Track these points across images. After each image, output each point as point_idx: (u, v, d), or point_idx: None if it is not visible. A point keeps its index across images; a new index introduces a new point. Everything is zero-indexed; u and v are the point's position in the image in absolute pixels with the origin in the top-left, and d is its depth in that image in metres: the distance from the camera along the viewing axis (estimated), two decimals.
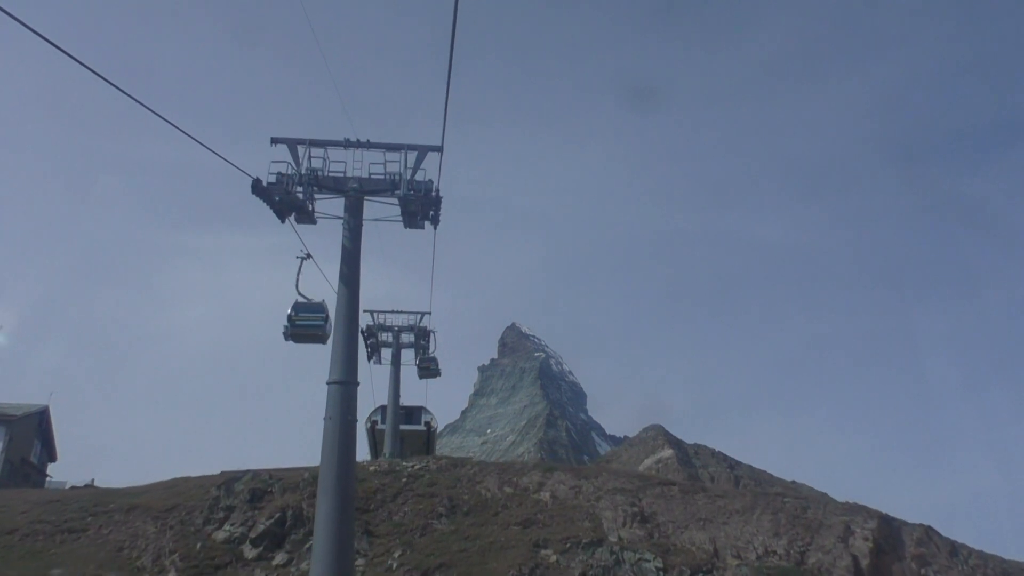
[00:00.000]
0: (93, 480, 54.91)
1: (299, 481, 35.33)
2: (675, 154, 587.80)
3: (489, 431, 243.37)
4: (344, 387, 17.52)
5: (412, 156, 19.20)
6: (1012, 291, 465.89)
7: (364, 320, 45.55)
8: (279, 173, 18.48)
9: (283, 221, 18.63)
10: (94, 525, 35.04)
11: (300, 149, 18.98)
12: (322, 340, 18.57)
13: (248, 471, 36.92)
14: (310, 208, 18.88)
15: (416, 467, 37.23)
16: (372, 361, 46.41)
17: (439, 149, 18.87)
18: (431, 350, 46.94)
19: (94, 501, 37.30)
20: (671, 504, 33.25)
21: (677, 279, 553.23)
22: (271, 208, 18.36)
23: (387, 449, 43.26)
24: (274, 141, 19.02)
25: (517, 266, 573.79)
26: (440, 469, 37.50)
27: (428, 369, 47.03)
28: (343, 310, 18.17)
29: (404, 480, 36.05)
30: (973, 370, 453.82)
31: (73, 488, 50.44)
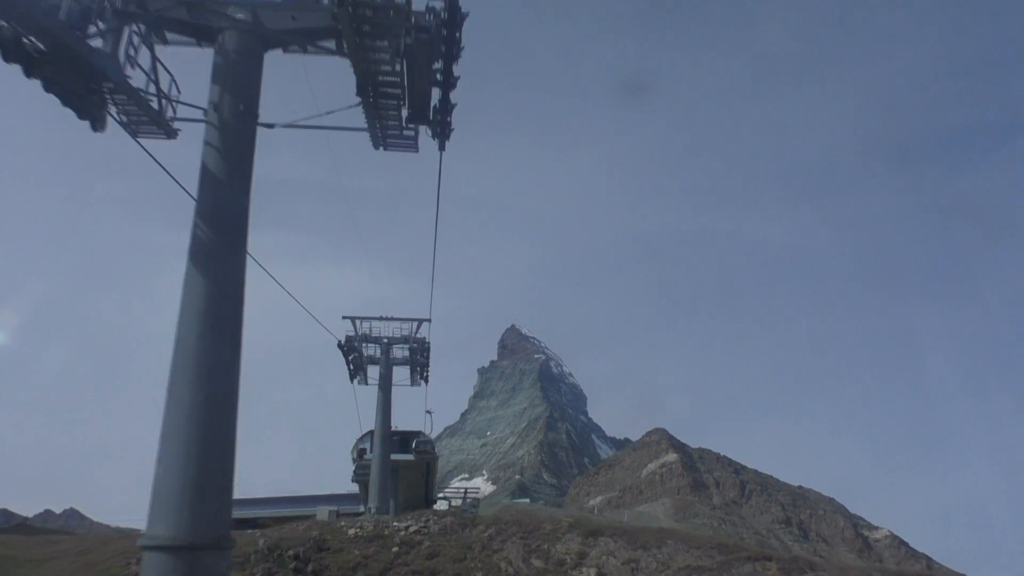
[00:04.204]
0: (27, 519, 44.41)
1: (251, 553, 24.74)
2: (674, 155, 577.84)
3: (489, 433, 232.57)
4: (174, 562, 6.57)
5: None
6: (1012, 290, 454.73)
7: (344, 329, 34.58)
8: None
9: (96, 127, 7.98)
10: None
11: None
12: None
13: None
14: (140, 81, 8.14)
15: (411, 529, 26.60)
16: (356, 381, 35.48)
17: None
18: (428, 430, 39.32)
19: None
20: None
21: (678, 280, 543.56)
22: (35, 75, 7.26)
23: (372, 501, 32.28)
24: None
25: (517, 267, 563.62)
26: (444, 531, 26.88)
27: (424, 452, 39.06)
28: (202, 321, 7.42)
29: (395, 549, 25.45)
30: (973, 371, 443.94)
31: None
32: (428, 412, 39.04)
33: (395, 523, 27.03)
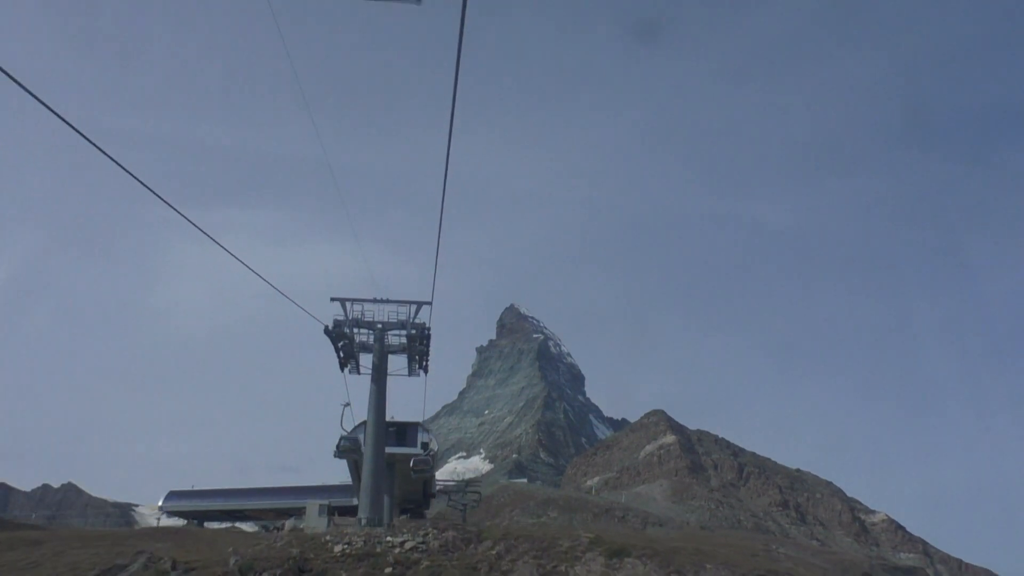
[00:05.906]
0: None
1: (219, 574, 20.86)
2: (676, 137, 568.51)
3: (487, 412, 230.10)
4: None
5: None
6: (1009, 277, 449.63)
7: (333, 313, 30.38)
8: None
9: None
10: None
11: None
12: None
13: (143, 552, 22.36)
14: None
15: (407, 545, 22.71)
16: (347, 370, 31.28)
17: None
18: (429, 447, 35.26)
19: None
20: None
21: (677, 261, 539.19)
22: None
23: (363, 512, 28.21)
24: None
25: (517, 247, 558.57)
26: (444, 547, 23.01)
27: (423, 471, 35.56)
28: None
29: (388, 571, 21.58)
30: (971, 355, 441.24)
31: None
32: (424, 430, 35.72)
33: (389, 538, 23.10)
